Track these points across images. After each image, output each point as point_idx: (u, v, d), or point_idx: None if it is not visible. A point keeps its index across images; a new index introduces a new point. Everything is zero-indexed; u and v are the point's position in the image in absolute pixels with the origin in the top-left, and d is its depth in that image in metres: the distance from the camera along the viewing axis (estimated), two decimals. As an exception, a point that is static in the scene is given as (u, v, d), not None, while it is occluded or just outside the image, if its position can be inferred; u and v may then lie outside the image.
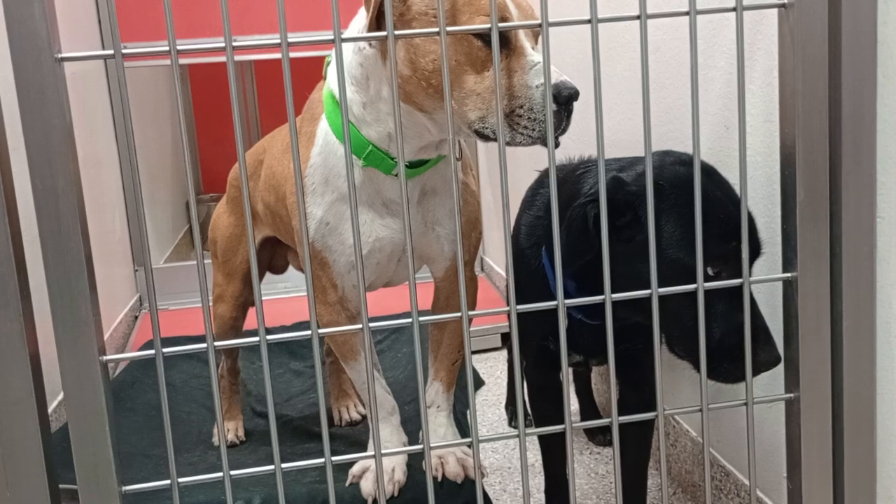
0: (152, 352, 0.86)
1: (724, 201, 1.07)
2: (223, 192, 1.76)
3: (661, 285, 0.93)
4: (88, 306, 0.85)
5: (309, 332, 0.88)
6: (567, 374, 0.99)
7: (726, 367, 1.06)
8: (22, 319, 0.84)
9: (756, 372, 1.01)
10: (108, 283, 2.72)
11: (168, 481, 0.88)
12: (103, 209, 2.81)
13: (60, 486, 0.92)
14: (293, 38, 0.84)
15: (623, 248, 1.08)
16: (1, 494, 0.85)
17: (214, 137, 4.74)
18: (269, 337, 0.88)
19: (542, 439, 1.47)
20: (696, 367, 0.99)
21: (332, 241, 1.23)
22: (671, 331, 1.10)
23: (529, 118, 1.03)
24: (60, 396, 1.82)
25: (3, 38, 0.80)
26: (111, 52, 0.82)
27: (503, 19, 1.03)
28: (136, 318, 3.07)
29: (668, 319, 1.08)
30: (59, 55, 0.82)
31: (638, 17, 0.87)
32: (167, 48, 0.83)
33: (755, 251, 1.10)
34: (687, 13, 0.88)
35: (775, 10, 0.94)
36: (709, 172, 1.11)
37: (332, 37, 0.85)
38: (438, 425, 1.38)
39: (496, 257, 3.12)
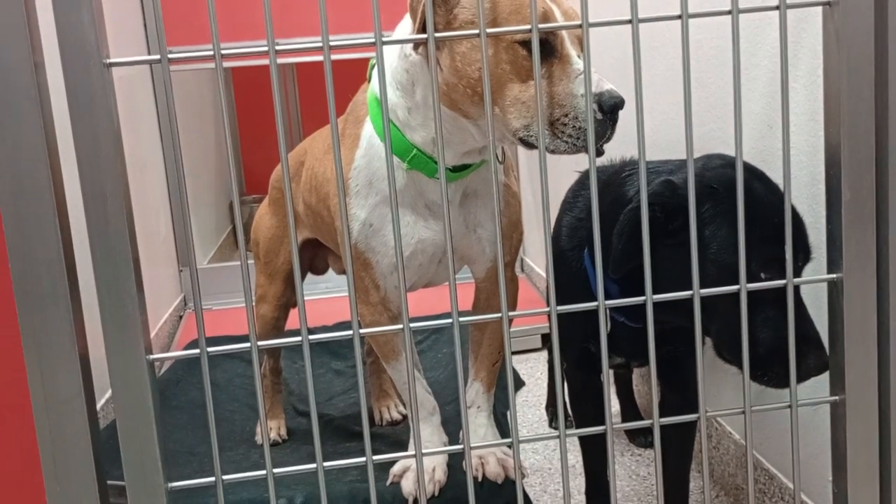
0: (197, 351, 0.88)
1: (776, 205, 1.06)
2: (265, 194, 1.78)
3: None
4: (136, 306, 0.87)
5: (350, 333, 0.89)
6: (608, 376, 0.98)
7: (775, 372, 1.05)
8: (72, 319, 0.86)
9: (805, 377, 1.00)
10: (153, 283, 2.77)
11: (213, 478, 0.90)
12: (149, 211, 2.86)
13: (108, 482, 0.94)
14: (335, 41, 0.85)
15: (673, 252, 1.08)
16: (51, 490, 0.87)
17: (257, 139, 4.79)
18: (311, 337, 0.89)
19: (583, 440, 1.46)
20: (747, 373, 0.98)
21: (375, 242, 1.25)
22: (720, 335, 1.09)
23: (574, 127, 1.03)
24: (108, 394, 1.86)
25: (52, 43, 0.82)
26: (157, 57, 0.84)
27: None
28: (181, 317, 3.11)
29: (717, 324, 1.07)
30: (107, 60, 0.84)
31: (679, 17, 0.86)
32: (211, 52, 0.84)
33: (805, 256, 1.09)
34: (729, 12, 0.87)
35: (820, 8, 0.92)
36: (759, 175, 1.10)
37: (373, 40, 0.86)
38: (479, 425, 1.38)
39: (537, 258, 3.12)
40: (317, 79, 4.76)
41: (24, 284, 0.85)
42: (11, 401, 0.88)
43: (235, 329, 2.60)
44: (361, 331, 0.90)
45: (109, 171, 0.85)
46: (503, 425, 1.59)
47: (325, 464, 0.91)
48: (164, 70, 0.84)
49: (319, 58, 0.85)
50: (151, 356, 0.89)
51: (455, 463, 1.35)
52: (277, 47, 0.85)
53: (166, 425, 1.84)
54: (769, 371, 1.05)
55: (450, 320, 0.90)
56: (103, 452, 0.92)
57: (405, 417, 1.87)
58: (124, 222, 0.85)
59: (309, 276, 1.80)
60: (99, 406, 1.89)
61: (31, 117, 0.83)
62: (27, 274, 0.85)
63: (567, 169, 1.49)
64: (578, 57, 1.05)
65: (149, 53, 3.06)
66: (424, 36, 0.87)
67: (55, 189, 0.85)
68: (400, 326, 0.90)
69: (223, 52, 0.85)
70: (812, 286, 1.22)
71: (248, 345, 0.89)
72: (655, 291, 0.91)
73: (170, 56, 0.83)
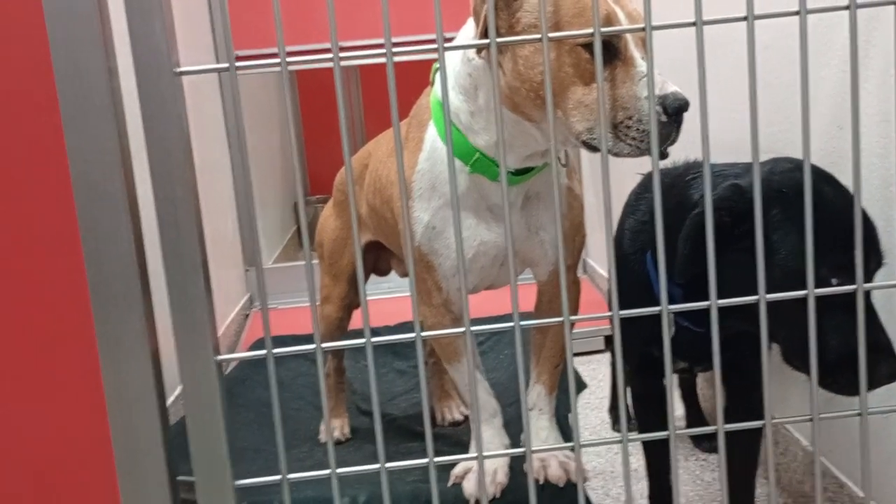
0: (264, 352, 0.90)
1: (846, 209, 1.04)
2: (329, 194, 1.80)
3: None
4: (204, 309, 0.89)
5: (413, 335, 0.90)
6: (671, 380, 0.97)
7: (844, 380, 1.03)
8: (144, 320, 0.89)
9: (876, 385, 0.98)
10: (220, 282, 2.83)
11: (278, 477, 0.92)
12: (216, 212, 2.92)
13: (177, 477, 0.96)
14: (398, 43, 0.86)
15: (739, 256, 1.06)
16: (125, 485, 0.90)
17: (320, 139, 4.84)
18: (374, 339, 0.90)
19: (647, 444, 1.45)
20: (817, 380, 0.96)
21: (438, 244, 1.26)
22: (788, 341, 1.07)
23: (637, 129, 1.02)
24: (175, 392, 1.90)
25: (124, 52, 0.85)
26: (226, 65, 0.86)
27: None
28: (247, 316, 3.17)
29: (785, 330, 1.05)
30: (178, 69, 0.86)
31: (745, 19, 0.85)
32: (277, 59, 0.86)
33: (877, 261, 1.06)
34: (797, 13, 0.85)
35: (891, 7, 0.90)
36: (827, 179, 1.08)
37: (435, 46, 0.87)
38: (540, 428, 1.38)
39: (599, 259, 3.09)
40: (380, 80, 4.79)
41: (99, 287, 0.88)
42: (87, 399, 0.91)
43: (300, 328, 2.64)
44: (423, 334, 0.91)
45: (180, 177, 0.87)
46: (565, 428, 1.59)
47: (388, 464, 0.92)
48: (232, 79, 0.86)
49: (383, 60, 0.87)
50: (219, 357, 0.91)
51: (517, 465, 1.35)
52: (342, 55, 0.86)
53: (234, 423, 1.88)
54: (838, 378, 1.02)
55: (511, 324, 0.90)
56: (172, 449, 0.95)
57: (467, 418, 1.87)
58: (194, 227, 0.88)
59: (372, 276, 1.82)
60: (167, 403, 1.94)
61: (105, 124, 0.86)
62: (102, 277, 0.88)
63: (630, 171, 1.48)
64: (642, 59, 1.04)
65: (216, 57, 3.13)
66: (486, 41, 0.88)
67: (128, 194, 0.88)
68: (462, 329, 0.91)
69: (289, 60, 0.87)
70: (884, 292, 1.19)
71: (313, 346, 0.90)
72: (720, 296, 0.90)
73: (237, 65, 0.85)
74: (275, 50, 0.86)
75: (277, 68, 0.86)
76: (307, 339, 2.51)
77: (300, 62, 0.90)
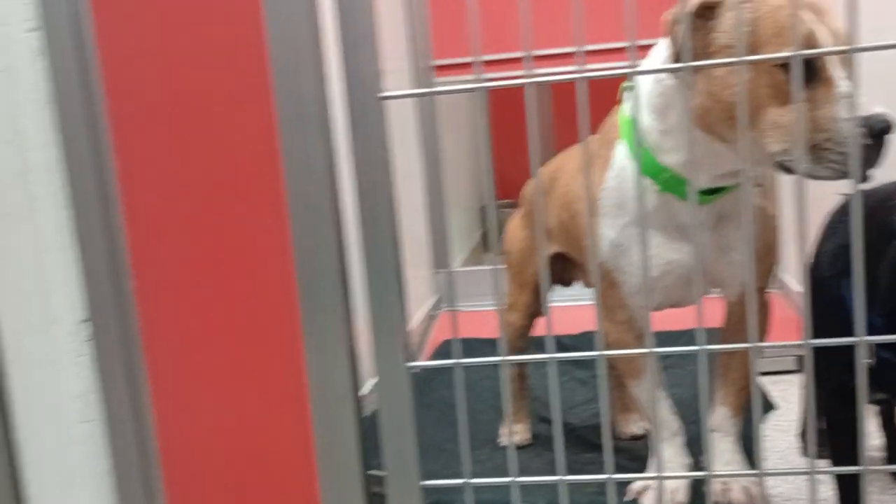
0: (452, 361, 0.95)
1: None
2: (514, 199, 1.84)
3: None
4: (400, 317, 0.96)
5: (596, 353, 0.92)
6: (865, 412, 0.93)
7: None
8: (346, 324, 0.96)
9: None
10: (409, 283, 2.94)
11: (462, 480, 0.96)
12: (406, 214, 3.04)
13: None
14: (591, 63, 0.88)
15: None
16: (323, 477, 0.98)
17: (508, 145, 4.90)
18: (557, 355, 0.93)
19: (839, 475, 1.39)
20: None
21: (623, 262, 1.26)
22: None
23: (837, 152, 0.99)
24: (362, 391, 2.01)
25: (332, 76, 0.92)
26: (426, 90, 0.92)
27: (811, 49, 1.00)
28: (433, 317, 3.28)
29: None
30: (382, 94, 0.93)
31: (961, 41, 0.80)
32: (474, 84, 0.91)
33: None
34: None
35: None
36: None
37: (628, 70, 0.88)
38: (723, 451, 1.35)
39: (795, 275, 2.95)
40: (572, 94, 4.78)
41: (307, 294, 0.96)
42: (292, 397, 1.00)
43: (486, 331, 2.70)
44: (606, 352, 0.92)
45: (381, 195, 0.94)
46: (750, 450, 1.54)
47: (567, 478, 0.95)
48: (431, 102, 0.92)
49: (575, 77, 0.89)
50: (410, 364, 0.97)
51: (697, 485, 1.34)
52: (536, 79, 0.90)
53: (419, 421, 1.96)
54: None
55: (696, 347, 0.90)
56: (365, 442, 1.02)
57: (647, 433, 1.86)
58: (392, 241, 0.94)
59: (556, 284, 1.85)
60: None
61: (317, 145, 0.94)
62: (310, 285, 0.96)
63: (830, 191, 1.42)
64: (844, 78, 1.01)
65: (413, 69, 3.26)
66: (680, 66, 0.88)
67: (334, 208, 0.95)
68: (645, 350, 0.92)
69: (485, 83, 0.91)
70: None
71: (498, 359, 0.94)
72: (924, 330, 0.85)
73: (437, 91, 0.91)
74: (470, 59, 0.90)
75: (474, 89, 0.91)
76: (492, 343, 2.57)
77: (495, 85, 0.94)
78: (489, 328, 2.77)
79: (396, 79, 2.96)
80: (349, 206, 0.95)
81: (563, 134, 4.90)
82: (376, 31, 0.93)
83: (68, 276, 0.99)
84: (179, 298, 1.01)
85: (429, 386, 2.22)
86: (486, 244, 4.78)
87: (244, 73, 0.96)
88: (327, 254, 0.96)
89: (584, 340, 2.62)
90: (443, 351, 2.69)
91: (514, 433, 1.86)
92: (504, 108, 4.79)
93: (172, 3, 0.96)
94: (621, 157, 1.26)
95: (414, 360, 0.97)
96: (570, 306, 3.01)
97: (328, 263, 0.96)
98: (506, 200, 4.83)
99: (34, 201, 0.98)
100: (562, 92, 4.98)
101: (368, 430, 1.00)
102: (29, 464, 1.04)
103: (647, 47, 1.33)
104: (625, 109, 1.27)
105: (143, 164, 0.99)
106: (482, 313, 3.15)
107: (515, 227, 1.81)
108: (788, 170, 1.05)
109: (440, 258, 3.39)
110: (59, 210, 0.98)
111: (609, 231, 1.27)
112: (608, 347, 1.35)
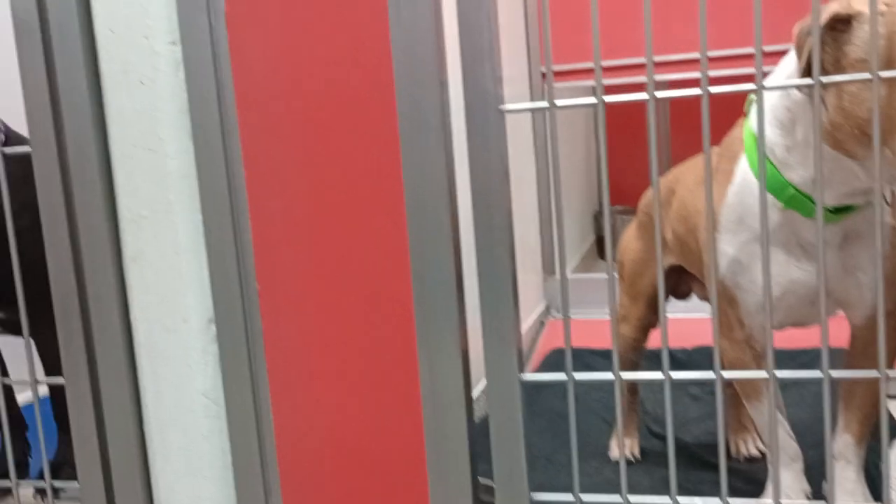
0: (564, 377, 0.95)
1: None
2: (628, 205, 1.82)
3: None
4: (513, 327, 0.96)
5: (712, 375, 0.90)
6: None
7: None
8: (459, 331, 0.98)
9: None
10: (520, 289, 2.94)
11: (571, 497, 0.96)
12: (519, 219, 3.04)
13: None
14: (714, 76, 0.86)
15: None
16: (434, 484, 1.00)
17: (622, 150, 4.83)
18: (673, 373, 0.91)
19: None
20: None
21: (743, 280, 1.23)
22: None
23: None
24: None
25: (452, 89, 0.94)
26: (546, 104, 0.92)
27: None
28: (543, 323, 3.27)
29: None
30: (503, 107, 0.94)
31: None
32: (594, 101, 0.91)
33: None
34: None
35: None
36: None
37: (753, 86, 0.86)
38: (846, 479, 1.30)
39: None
40: (690, 106, 4.67)
41: (422, 300, 0.98)
42: (406, 402, 1.02)
43: (595, 340, 2.68)
44: (723, 373, 0.90)
45: (498, 206, 0.95)
46: (875, 480, 1.48)
47: (679, 498, 0.93)
48: (551, 117, 0.92)
49: (697, 91, 0.88)
50: (523, 376, 0.97)
51: (816, 514, 1.29)
52: (657, 94, 0.89)
53: (528, 430, 1.96)
54: None
55: (819, 374, 0.87)
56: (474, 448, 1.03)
57: (764, 455, 1.80)
58: (508, 254, 0.95)
59: (670, 297, 1.81)
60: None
61: (438, 156, 0.96)
62: (426, 291, 0.98)
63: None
64: None
65: (528, 70, 3.25)
66: (809, 80, 0.85)
67: (451, 219, 0.97)
68: (764, 374, 0.89)
69: (605, 98, 0.90)
70: None
71: (609, 376, 0.94)
72: None
73: (558, 105, 0.91)
74: (588, 65, 0.90)
75: (594, 102, 0.91)
76: (603, 354, 2.54)
77: (616, 100, 0.93)
78: (599, 338, 2.74)
79: (514, 84, 2.96)
80: (465, 214, 0.97)
81: (680, 144, 4.80)
82: (498, 44, 0.95)
83: (200, 278, 1.04)
84: (299, 302, 1.04)
85: (539, 395, 2.22)
86: (599, 251, 4.72)
87: (368, 85, 0.98)
88: (443, 261, 0.97)
89: (698, 355, 2.56)
90: (552, 360, 2.67)
91: (624, 448, 1.84)
92: (619, 112, 4.74)
93: (301, 17, 0.99)
94: (744, 172, 1.23)
95: (525, 369, 0.97)
96: (684, 318, 2.95)
97: (444, 271, 0.97)
98: (618, 206, 4.78)
99: (171, 205, 1.04)
100: (680, 100, 4.87)
101: (477, 436, 1.01)
102: (158, 455, 1.09)
103: (775, 54, 1.29)
104: (750, 123, 1.24)
105: (270, 171, 1.03)
106: (592, 322, 3.11)
107: (630, 237, 1.79)
108: None
109: (550, 263, 3.37)
110: (194, 214, 1.03)
111: (729, 248, 1.24)
112: (725, 366, 1.32)
